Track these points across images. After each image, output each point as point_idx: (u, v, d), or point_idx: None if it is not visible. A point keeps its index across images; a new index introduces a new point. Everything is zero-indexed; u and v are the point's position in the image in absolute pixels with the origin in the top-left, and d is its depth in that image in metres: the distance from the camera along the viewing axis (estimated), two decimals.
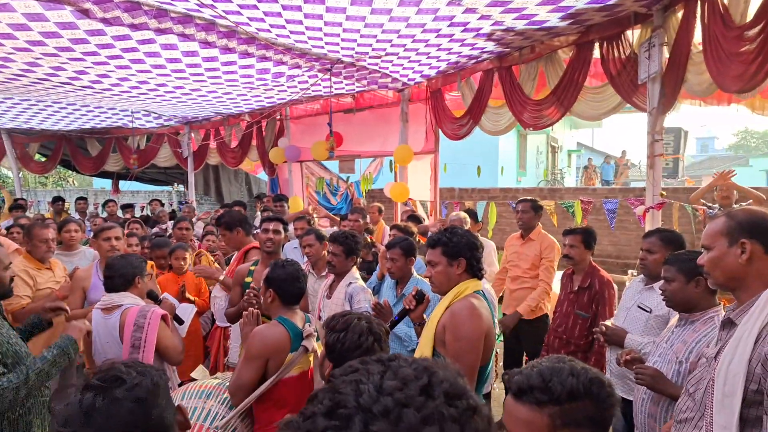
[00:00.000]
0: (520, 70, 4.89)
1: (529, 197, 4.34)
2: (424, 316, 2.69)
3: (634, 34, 3.90)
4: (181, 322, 3.16)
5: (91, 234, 6.53)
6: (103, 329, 2.70)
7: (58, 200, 9.51)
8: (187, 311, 3.39)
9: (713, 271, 1.74)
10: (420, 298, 2.59)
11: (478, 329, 2.25)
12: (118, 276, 2.75)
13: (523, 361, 4.37)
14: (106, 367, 1.23)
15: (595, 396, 1.18)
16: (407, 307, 2.61)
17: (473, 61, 5.28)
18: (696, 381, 1.81)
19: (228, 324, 4.20)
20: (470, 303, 2.30)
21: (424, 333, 2.43)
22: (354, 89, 6.72)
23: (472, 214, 5.10)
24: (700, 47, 3.30)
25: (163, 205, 9.86)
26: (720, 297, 2.42)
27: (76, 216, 8.85)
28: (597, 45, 4.14)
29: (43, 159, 11.12)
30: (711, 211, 4.58)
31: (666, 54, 3.62)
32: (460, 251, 2.38)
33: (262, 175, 12.40)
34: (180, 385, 4.00)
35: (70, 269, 4.21)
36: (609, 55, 4.01)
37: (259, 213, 8.89)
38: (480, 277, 2.49)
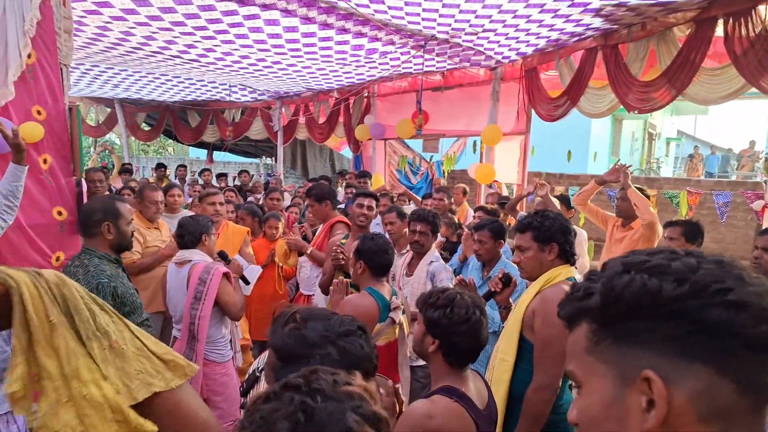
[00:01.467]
0: (628, 49, 4.57)
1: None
2: (510, 300, 2.64)
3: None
4: (247, 282, 3.36)
5: (190, 199, 7.01)
6: (175, 280, 3.00)
7: (160, 167, 10.25)
8: (253, 273, 3.57)
9: None
10: (507, 281, 2.53)
11: None
12: (188, 234, 3.03)
13: None
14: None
15: None
16: (493, 289, 2.57)
17: (575, 38, 5.00)
18: None
19: (311, 292, 4.36)
20: (563, 289, 2.22)
21: (512, 317, 2.38)
22: (445, 67, 6.61)
23: (564, 200, 4.89)
24: None
25: (251, 176, 10.33)
26: None
27: (176, 182, 9.49)
28: (720, 22, 3.77)
29: (148, 128, 11.98)
30: None
31: None
32: (552, 236, 2.29)
33: (345, 152, 12.64)
34: (254, 342, 4.28)
35: (173, 230, 4.54)
36: (734, 33, 3.63)
37: (341, 188, 9.09)
38: (572, 263, 2.39)
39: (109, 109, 11.21)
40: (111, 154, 11.07)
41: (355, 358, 1.06)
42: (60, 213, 3.19)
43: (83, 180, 3.27)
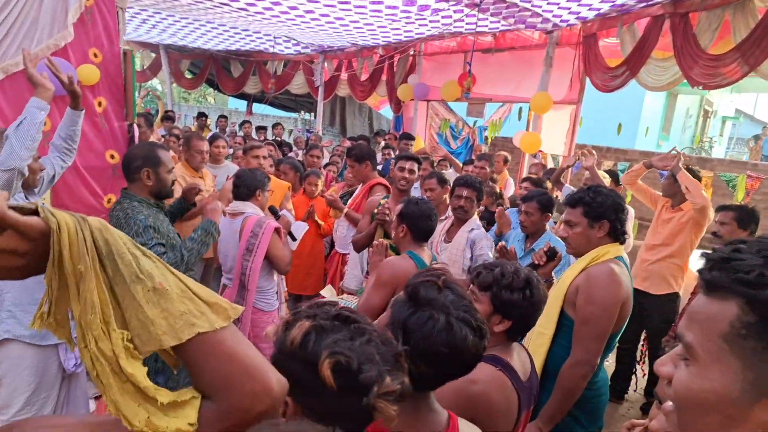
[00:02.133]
0: (699, 18, 4.27)
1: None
2: (553, 274, 2.59)
3: None
4: (294, 238, 3.39)
5: (231, 150, 7.08)
6: (228, 231, 3.05)
7: (201, 116, 10.36)
8: (299, 229, 3.60)
9: None
10: (552, 255, 2.48)
11: (614, 296, 2.13)
12: (244, 186, 3.06)
13: (641, 339, 4.12)
14: None
15: None
16: (536, 262, 2.52)
17: (642, 4, 4.71)
18: None
19: (347, 251, 4.40)
20: (610, 268, 2.17)
21: (554, 291, 2.35)
22: (498, 28, 6.36)
23: (614, 175, 4.73)
24: None
25: (290, 131, 10.33)
26: None
27: (220, 133, 9.59)
28: None
29: (191, 76, 12.06)
30: None
31: None
32: (603, 213, 2.22)
33: (384, 112, 12.48)
34: (290, 295, 4.37)
35: (216, 180, 4.61)
36: None
37: (378, 149, 9.03)
38: (622, 242, 2.32)
39: (153, 55, 11.30)
40: (157, 100, 11.21)
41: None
42: (113, 156, 3.27)
43: (135, 125, 3.32)
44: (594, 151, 4.33)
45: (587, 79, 5.80)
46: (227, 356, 0.72)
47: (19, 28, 2.70)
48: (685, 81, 4.47)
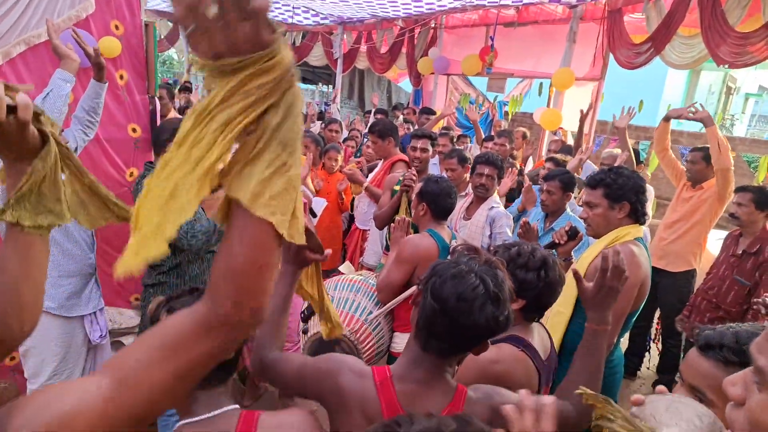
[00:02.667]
0: None
1: (703, 146, 3.81)
2: (572, 254, 2.60)
3: None
4: (314, 215, 3.41)
5: None
6: None
7: None
8: (319, 205, 3.62)
9: None
10: (573, 234, 2.48)
11: (633, 277, 2.13)
12: None
13: (655, 317, 4.12)
14: None
15: None
16: (557, 241, 2.53)
17: None
18: None
19: (367, 227, 4.43)
20: (630, 249, 2.18)
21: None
22: (521, 1, 6.21)
23: (634, 153, 4.65)
24: None
25: (311, 104, 10.27)
26: None
27: None
28: None
29: None
30: None
31: None
32: (624, 194, 2.22)
33: (403, 85, 12.34)
34: None
35: None
36: None
37: (401, 118, 8.95)
38: (642, 223, 2.33)
39: (171, 24, 11.24)
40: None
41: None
42: (134, 130, 3.30)
43: (157, 98, 3.33)
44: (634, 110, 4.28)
45: (611, 56, 5.67)
46: (261, 264, 0.67)
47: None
48: (711, 59, 4.34)
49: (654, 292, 4.02)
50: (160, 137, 2.41)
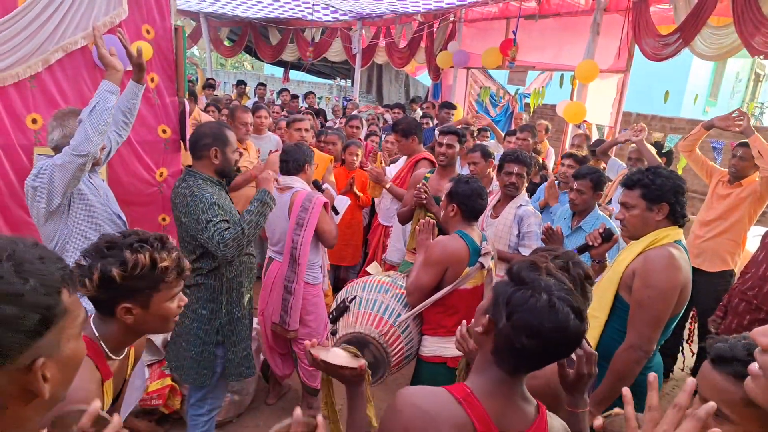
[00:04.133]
0: None
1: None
2: (606, 255, 2.57)
3: None
4: (337, 212, 3.43)
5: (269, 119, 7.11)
6: (277, 206, 3.06)
7: (240, 83, 10.41)
8: (342, 203, 3.63)
9: None
10: (608, 236, 2.45)
11: (672, 281, 2.10)
12: (292, 161, 3.08)
13: (690, 316, 4.05)
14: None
15: None
16: (590, 243, 2.50)
17: None
18: None
19: (390, 223, 4.44)
20: (669, 252, 2.13)
21: (608, 274, 2.32)
22: None
23: (658, 146, 4.56)
24: None
25: (316, 98, 10.27)
26: None
27: (262, 103, 9.62)
28: None
29: (230, 43, 12.08)
30: None
31: None
32: (663, 195, 2.16)
33: (421, 78, 12.29)
34: (331, 266, 4.46)
35: (260, 151, 4.67)
36: None
37: (419, 112, 8.92)
38: (682, 225, 2.27)
39: (194, 23, 11.34)
40: (196, 68, 11.32)
41: None
42: (164, 131, 3.35)
43: (186, 100, 3.37)
44: (644, 127, 4.17)
45: (636, 47, 5.56)
46: None
47: (78, 7, 2.76)
48: (744, 50, 4.24)
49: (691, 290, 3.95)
50: (200, 141, 2.41)
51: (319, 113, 8.76)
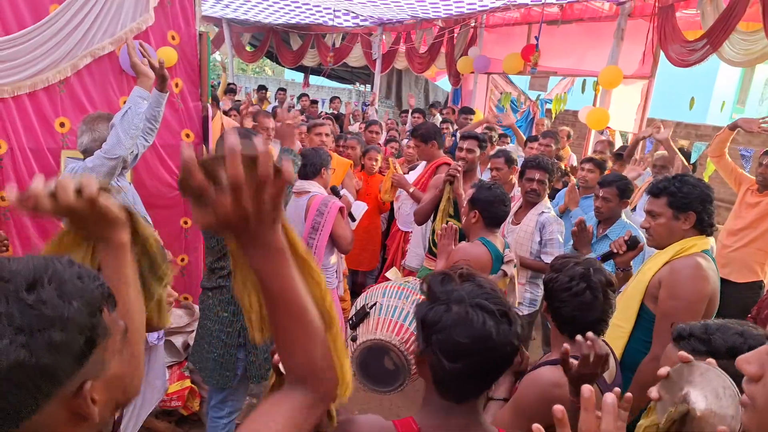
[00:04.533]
0: None
1: None
2: (631, 264, 2.52)
3: None
4: (353, 219, 3.42)
5: None
6: (293, 209, 3.11)
7: (262, 88, 10.50)
8: (359, 209, 3.63)
9: None
10: (633, 244, 2.41)
11: (700, 292, 2.05)
12: (310, 165, 3.09)
13: None
14: None
15: None
16: (615, 250, 2.45)
17: None
18: None
19: (409, 229, 4.42)
20: (696, 262, 2.09)
21: (633, 284, 2.29)
22: None
23: (685, 155, 4.47)
24: None
25: (341, 104, 10.33)
26: None
27: (276, 105, 9.72)
28: None
29: (252, 49, 12.22)
30: None
31: None
32: (690, 204, 2.12)
33: (441, 83, 12.26)
34: (347, 269, 4.45)
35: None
36: None
37: (439, 117, 8.90)
38: (709, 234, 2.22)
39: (217, 29, 11.51)
40: (222, 71, 11.46)
41: None
42: (188, 135, 3.39)
43: (209, 105, 3.41)
44: (661, 125, 4.10)
45: (662, 53, 5.47)
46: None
47: (106, 13, 2.81)
48: None
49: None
50: None
51: (340, 118, 8.81)
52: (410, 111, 8.17)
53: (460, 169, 3.25)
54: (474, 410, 1.09)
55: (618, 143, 6.18)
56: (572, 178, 4.88)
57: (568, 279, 1.63)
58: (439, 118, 8.85)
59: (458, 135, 4.12)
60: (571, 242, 2.54)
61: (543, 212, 3.15)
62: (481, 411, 1.11)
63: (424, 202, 3.68)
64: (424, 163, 4.36)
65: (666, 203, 2.16)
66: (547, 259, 3.01)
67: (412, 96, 9.68)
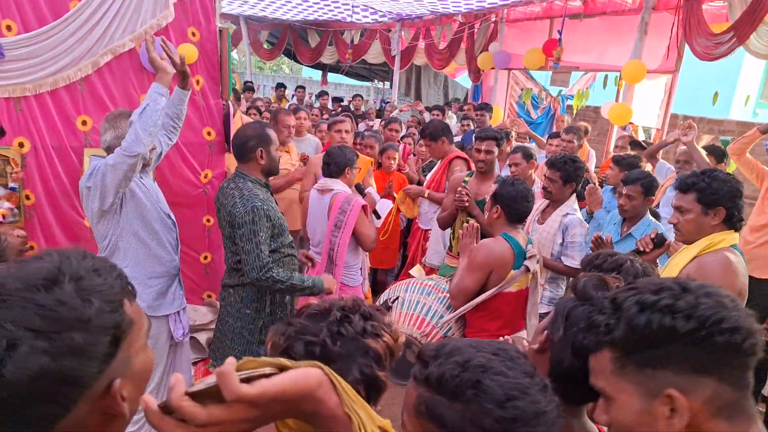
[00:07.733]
0: None
1: None
2: (657, 261, 2.47)
3: None
4: (378, 216, 3.41)
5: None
6: (317, 206, 3.12)
7: (280, 86, 10.55)
8: (384, 207, 3.61)
9: None
10: (660, 242, 2.36)
11: (729, 286, 2.01)
12: (334, 164, 3.08)
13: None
14: None
15: None
16: (642, 249, 2.41)
17: None
18: None
19: (429, 227, 4.40)
20: (725, 257, 2.05)
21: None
22: None
23: (717, 152, 4.33)
24: None
25: (366, 101, 10.33)
26: None
27: (302, 106, 9.74)
28: None
29: (270, 47, 12.27)
30: None
31: None
32: (719, 199, 2.09)
33: (461, 80, 12.17)
34: (370, 268, 4.43)
35: (300, 153, 4.70)
36: None
37: (453, 117, 8.83)
38: (738, 229, 2.18)
39: (234, 26, 11.57)
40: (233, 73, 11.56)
41: None
42: (209, 133, 3.41)
43: (230, 102, 3.42)
44: (695, 125, 4.00)
45: (686, 47, 5.35)
46: None
47: (126, 10, 2.83)
48: None
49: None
50: (246, 144, 2.43)
51: (359, 116, 8.76)
52: (429, 109, 8.13)
53: (465, 199, 3.30)
54: (578, 413, 1.12)
55: (641, 139, 6.05)
56: (593, 175, 4.80)
57: (634, 277, 1.54)
58: (453, 117, 8.79)
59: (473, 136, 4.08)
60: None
61: (568, 213, 3.07)
62: (585, 417, 1.13)
63: (444, 211, 3.68)
64: (439, 161, 4.34)
65: (695, 199, 2.13)
66: (568, 262, 2.96)
67: (419, 103, 9.57)
